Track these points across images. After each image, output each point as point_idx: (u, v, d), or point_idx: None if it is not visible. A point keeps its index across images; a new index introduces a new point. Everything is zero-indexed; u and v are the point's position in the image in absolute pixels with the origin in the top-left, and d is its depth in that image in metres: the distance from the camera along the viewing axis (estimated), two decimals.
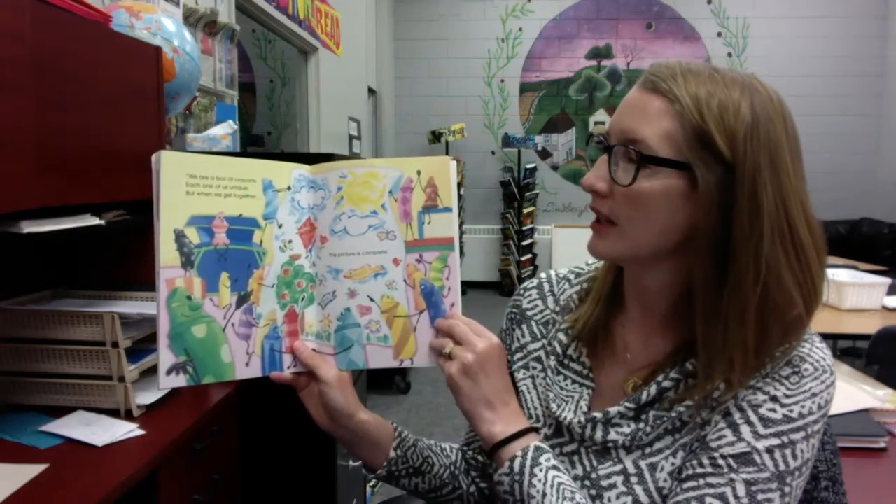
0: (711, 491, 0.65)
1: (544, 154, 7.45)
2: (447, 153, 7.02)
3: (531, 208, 7.15)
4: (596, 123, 7.35)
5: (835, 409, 1.34)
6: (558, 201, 7.47)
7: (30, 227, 1.12)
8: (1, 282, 1.46)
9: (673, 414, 0.69)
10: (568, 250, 7.05)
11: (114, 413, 1.33)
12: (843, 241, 6.53)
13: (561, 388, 0.79)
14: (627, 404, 0.72)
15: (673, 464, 0.69)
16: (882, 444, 1.30)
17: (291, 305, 0.75)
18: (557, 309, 0.85)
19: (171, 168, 0.68)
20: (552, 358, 0.81)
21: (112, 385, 1.33)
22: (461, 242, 7.12)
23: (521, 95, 7.42)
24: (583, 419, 0.74)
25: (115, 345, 1.32)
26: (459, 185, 7.00)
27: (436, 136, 7.01)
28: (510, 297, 0.93)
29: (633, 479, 0.70)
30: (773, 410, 0.66)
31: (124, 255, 1.65)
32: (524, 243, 7.12)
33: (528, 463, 0.69)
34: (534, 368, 0.83)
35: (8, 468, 1.09)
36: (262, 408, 1.73)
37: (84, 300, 1.50)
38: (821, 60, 7.00)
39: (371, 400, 3.73)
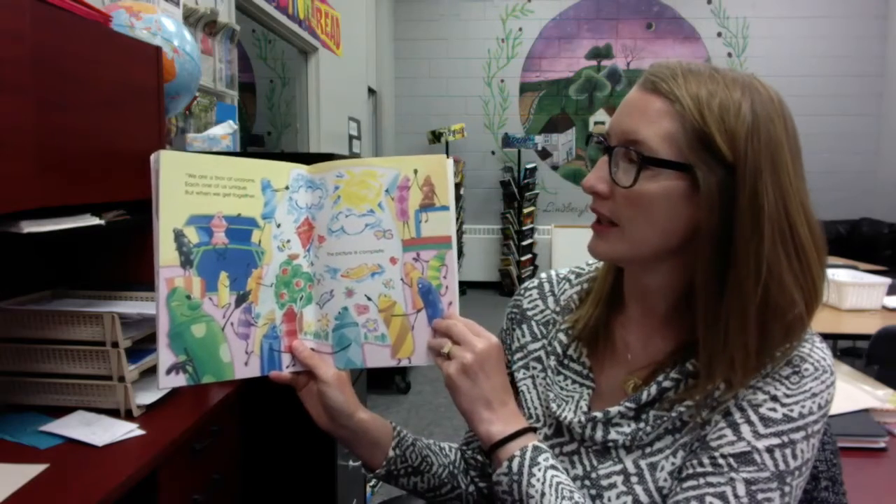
0: (711, 490, 0.65)
1: (544, 154, 7.45)
2: (447, 153, 7.01)
3: (531, 208, 7.15)
4: (596, 123, 7.35)
5: (835, 409, 1.34)
6: (558, 201, 7.47)
7: (30, 227, 1.12)
8: (1, 282, 1.46)
9: (673, 414, 0.69)
10: (568, 250, 7.05)
11: (114, 413, 1.33)
12: (843, 241, 6.53)
13: (561, 388, 0.79)
14: (628, 404, 0.72)
15: (673, 463, 0.69)
16: (882, 444, 1.30)
17: (290, 305, 0.76)
18: (558, 309, 0.85)
19: (170, 167, 0.68)
20: (552, 358, 0.81)
21: (112, 385, 1.33)
22: (461, 242, 7.13)
23: (521, 95, 7.42)
24: (583, 419, 0.75)
25: (115, 345, 1.32)
26: (459, 185, 7.03)
27: (436, 136, 7.01)
28: (510, 297, 0.93)
29: (634, 479, 0.70)
30: (774, 410, 0.66)
31: (124, 255, 1.65)
32: (524, 243, 7.12)
33: (526, 462, 0.69)
34: (534, 368, 0.83)
35: (8, 468, 1.09)
36: (262, 408, 1.73)
37: (84, 300, 1.50)
38: (821, 60, 7.00)
39: (371, 400, 3.73)
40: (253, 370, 0.74)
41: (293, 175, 0.76)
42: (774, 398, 0.67)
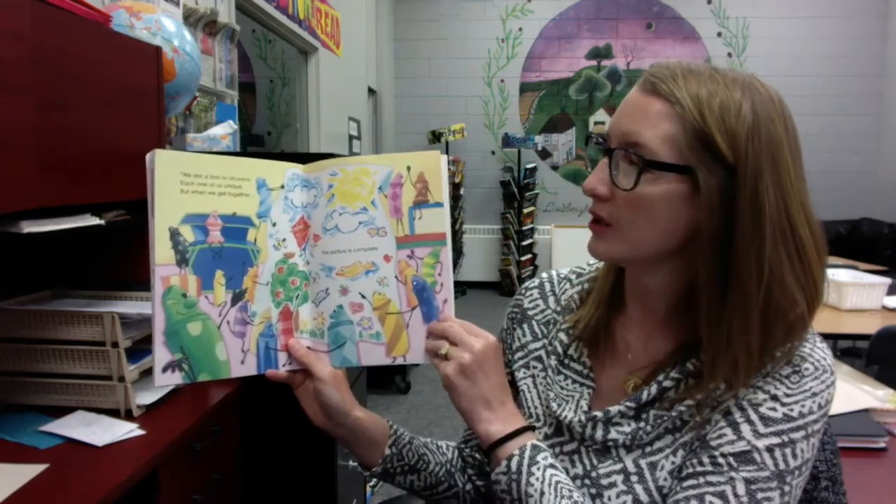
0: (711, 489, 0.65)
1: (544, 154, 7.45)
2: (447, 153, 7.02)
3: (531, 208, 7.16)
4: (596, 123, 7.35)
5: (835, 409, 1.34)
6: (558, 201, 7.47)
7: (30, 227, 1.12)
8: (1, 282, 1.46)
9: (673, 413, 0.69)
10: (568, 250, 7.05)
11: (114, 413, 1.33)
12: (843, 241, 6.53)
13: (561, 387, 0.79)
14: (628, 403, 0.72)
15: (673, 463, 0.69)
16: (882, 444, 1.30)
17: (286, 303, 0.76)
18: (558, 309, 0.86)
19: (165, 167, 0.68)
20: (553, 357, 0.81)
21: (112, 385, 1.33)
22: (460, 242, 7.13)
23: (521, 95, 7.42)
24: (583, 418, 0.75)
25: (115, 345, 1.32)
26: (459, 185, 7.02)
27: (436, 136, 7.01)
28: (510, 297, 0.93)
29: (634, 478, 0.70)
30: (774, 409, 0.66)
31: (124, 255, 1.65)
32: (524, 243, 7.12)
33: (525, 462, 0.69)
34: (534, 368, 0.84)
35: (8, 468, 1.09)
36: (262, 408, 1.73)
37: (84, 300, 1.50)
38: (821, 60, 7.00)
39: (371, 400, 3.73)
40: (249, 369, 0.74)
41: (288, 174, 0.76)
42: (774, 398, 0.67)
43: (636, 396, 0.72)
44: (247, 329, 0.73)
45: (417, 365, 0.72)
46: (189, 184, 0.69)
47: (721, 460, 0.66)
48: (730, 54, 7.12)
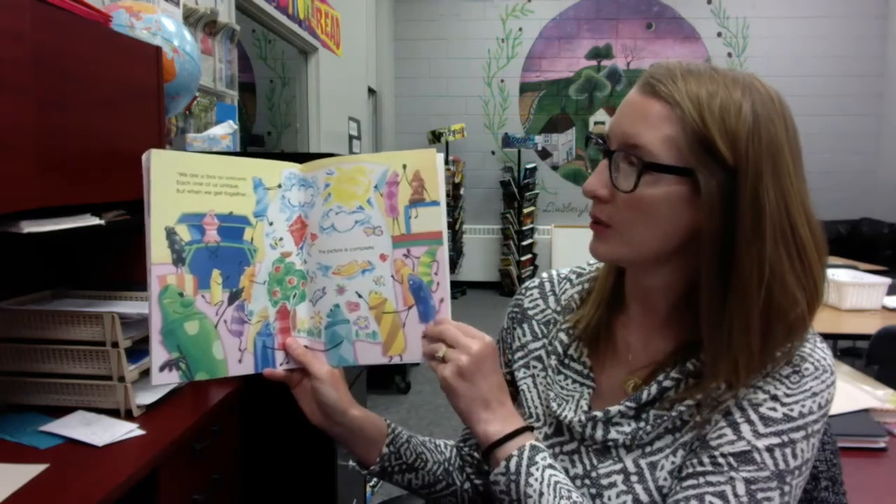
0: (711, 489, 0.65)
1: (544, 154, 7.45)
2: (447, 153, 7.02)
3: (531, 208, 7.16)
4: (596, 123, 7.35)
5: (835, 409, 1.34)
6: (558, 201, 7.47)
7: (30, 227, 1.12)
8: (1, 282, 1.46)
9: (673, 413, 0.69)
10: (568, 250, 7.05)
11: (114, 413, 1.33)
12: (843, 241, 6.53)
13: (561, 387, 0.79)
14: (628, 403, 0.72)
15: (673, 462, 0.69)
16: (882, 444, 1.30)
17: (283, 302, 0.76)
18: (558, 308, 0.86)
19: (161, 166, 0.68)
20: (553, 357, 0.81)
21: (112, 385, 1.33)
22: (461, 242, 7.13)
23: (521, 95, 7.42)
24: (583, 418, 0.75)
25: (115, 345, 1.32)
26: (459, 185, 7.02)
27: (436, 136, 7.01)
28: (510, 297, 0.93)
29: (634, 478, 0.70)
30: (774, 409, 0.66)
31: (124, 255, 1.65)
32: (524, 243, 7.12)
33: (524, 462, 0.69)
34: (534, 367, 0.84)
35: (8, 468, 1.09)
36: (262, 408, 1.73)
37: (84, 300, 1.50)
38: (821, 60, 7.00)
39: (371, 400, 3.73)
40: (246, 367, 0.74)
41: (285, 174, 0.76)
42: (774, 397, 0.67)
43: (636, 396, 0.72)
44: (244, 328, 0.73)
45: (417, 365, 0.72)
46: (185, 183, 0.70)
47: (721, 460, 0.66)
48: (730, 54, 7.12)
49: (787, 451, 0.65)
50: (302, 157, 0.83)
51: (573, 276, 0.88)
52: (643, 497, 0.69)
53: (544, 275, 0.91)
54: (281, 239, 0.75)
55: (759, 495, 0.64)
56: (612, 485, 0.71)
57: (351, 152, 5.32)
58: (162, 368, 0.68)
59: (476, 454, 0.90)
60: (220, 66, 2.82)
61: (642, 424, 0.71)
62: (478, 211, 7.49)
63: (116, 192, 1.39)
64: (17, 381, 1.34)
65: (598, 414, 0.73)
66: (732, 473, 0.65)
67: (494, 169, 7.45)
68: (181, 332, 0.69)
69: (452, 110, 7.40)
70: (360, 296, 0.75)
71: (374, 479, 2.70)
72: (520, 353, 0.86)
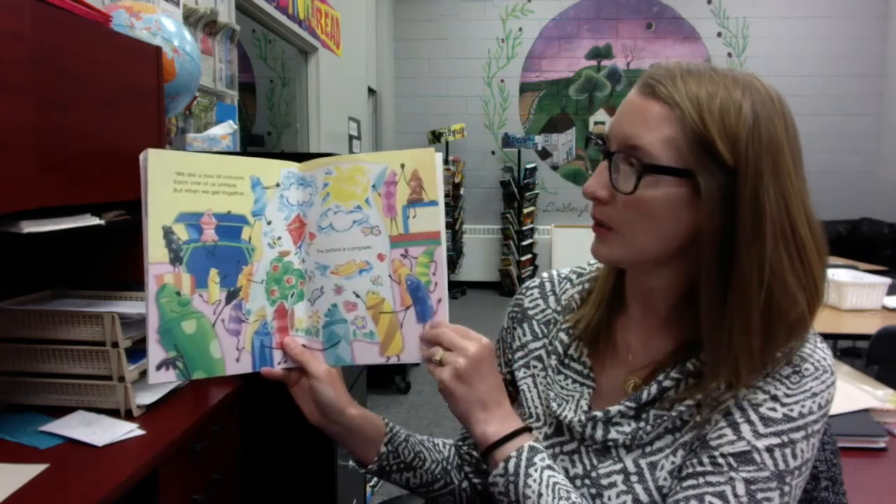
0: (711, 489, 0.65)
1: (544, 154, 7.45)
2: (447, 153, 7.02)
3: (531, 208, 7.15)
4: (596, 123, 7.35)
5: (835, 409, 1.34)
6: (558, 201, 7.47)
7: (30, 227, 1.12)
8: (1, 282, 1.46)
9: (673, 413, 0.69)
10: (568, 250, 7.06)
11: (114, 413, 1.33)
12: (843, 241, 6.53)
13: (561, 387, 0.79)
14: (628, 403, 0.72)
15: (673, 462, 0.69)
16: (882, 444, 1.30)
17: (281, 302, 0.76)
18: (559, 308, 0.86)
19: (158, 166, 0.68)
20: (553, 357, 0.81)
21: (112, 385, 1.33)
22: (461, 242, 7.13)
23: (521, 95, 7.42)
24: (583, 418, 0.75)
25: (115, 345, 1.32)
26: (459, 185, 7.02)
27: (436, 136, 7.01)
28: (510, 297, 0.93)
29: (633, 478, 0.70)
30: (774, 409, 0.66)
31: (124, 255, 1.65)
32: (524, 243, 7.12)
33: (522, 463, 0.69)
34: (535, 367, 0.84)
35: (8, 468, 1.09)
36: (262, 408, 1.73)
37: (84, 300, 1.50)
38: (821, 60, 7.00)
39: (371, 400, 3.73)
40: (244, 366, 0.74)
41: (284, 173, 0.76)
42: (774, 398, 0.67)
43: (636, 396, 0.72)
44: (241, 327, 0.73)
45: (417, 365, 0.72)
46: (182, 183, 0.70)
47: (721, 460, 0.66)
48: (730, 54, 7.12)
49: (787, 451, 0.65)
50: (302, 157, 0.83)
51: (573, 276, 0.88)
52: (643, 497, 0.69)
53: (545, 275, 0.91)
54: (279, 238, 0.76)
55: (759, 495, 0.64)
56: (612, 485, 0.71)
57: (351, 152, 5.32)
58: (159, 367, 0.69)
59: (475, 453, 0.90)
60: (220, 66, 2.82)
61: (642, 424, 0.71)
62: (478, 211, 7.49)
63: (116, 192, 1.39)
64: (17, 381, 1.34)
65: (598, 414, 0.73)
66: (732, 474, 0.65)
67: (494, 169, 7.45)
68: (178, 331, 0.69)
69: (452, 110, 7.40)
70: (357, 296, 0.75)
71: (374, 479, 2.70)
72: (520, 353, 0.86)
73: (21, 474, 1.07)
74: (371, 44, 6.23)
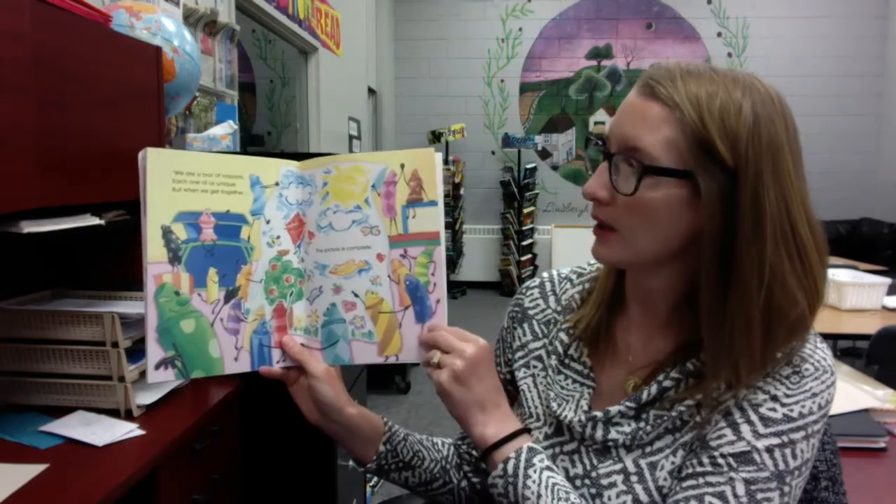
0: (711, 490, 0.65)
1: (544, 154, 7.45)
2: (447, 153, 7.02)
3: (531, 208, 7.16)
4: (596, 123, 7.35)
5: (835, 409, 1.34)
6: (558, 201, 7.47)
7: (30, 227, 1.12)
8: (1, 282, 1.46)
9: (673, 413, 0.69)
10: (568, 250, 7.05)
11: (114, 413, 1.33)
12: (843, 241, 6.53)
13: (562, 387, 0.79)
14: (628, 403, 0.72)
15: (673, 463, 0.69)
16: (882, 444, 1.30)
17: (280, 301, 0.76)
18: (559, 308, 0.86)
19: (157, 165, 0.68)
20: (553, 357, 0.81)
21: (112, 385, 1.33)
22: (461, 242, 7.13)
23: (521, 95, 7.42)
24: (583, 418, 0.75)
25: (115, 345, 1.32)
26: (459, 184, 7.02)
27: (436, 136, 7.01)
28: (510, 297, 0.93)
29: (633, 478, 0.70)
30: (774, 410, 0.66)
31: (124, 255, 1.65)
32: (524, 243, 7.12)
33: (521, 464, 0.69)
34: (535, 367, 0.84)
35: (8, 468, 1.09)
36: (262, 408, 1.73)
37: (84, 300, 1.50)
38: (821, 60, 7.00)
39: (371, 400, 3.73)
40: (243, 365, 0.74)
41: (283, 172, 0.76)
42: (774, 398, 0.67)
43: (636, 396, 0.72)
44: (240, 326, 0.73)
45: (417, 365, 0.71)
46: (181, 182, 0.70)
47: (721, 461, 0.66)
48: (730, 54, 7.12)
49: (787, 451, 0.65)
50: (302, 157, 0.83)
51: (574, 276, 0.88)
52: (643, 497, 0.69)
53: (545, 274, 0.91)
54: (278, 237, 0.75)
55: (759, 496, 0.64)
56: (612, 485, 0.71)
57: (351, 152, 5.32)
58: (157, 366, 0.69)
59: (474, 452, 0.90)
60: (220, 66, 2.82)
61: (642, 424, 0.71)
62: (478, 211, 7.49)
63: (116, 192, 1.39)
64: (17, 381, 1.34)
65: (598, 414, 0.73)
66: (732, 474, 0.65)
67: (494, 169, 7.45)
68: (177, 331, 0.69)
69: (452, 110, 7.40)
70: (356, 295, 0.75)
71: (374, 479, 2.70)
72: (520, 353, 0.86)
73: (21, 474, 1.07)
74: (371, 44, 6.23)
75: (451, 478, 0.89)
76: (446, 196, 6.34)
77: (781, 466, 0.65)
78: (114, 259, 1.67)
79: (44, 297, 1.50)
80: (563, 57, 7.32)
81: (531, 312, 0.87)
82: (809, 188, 0.67)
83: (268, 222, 0.75)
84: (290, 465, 1.84)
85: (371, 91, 6.49)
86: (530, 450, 0.70)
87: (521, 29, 7.32)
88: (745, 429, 0.66)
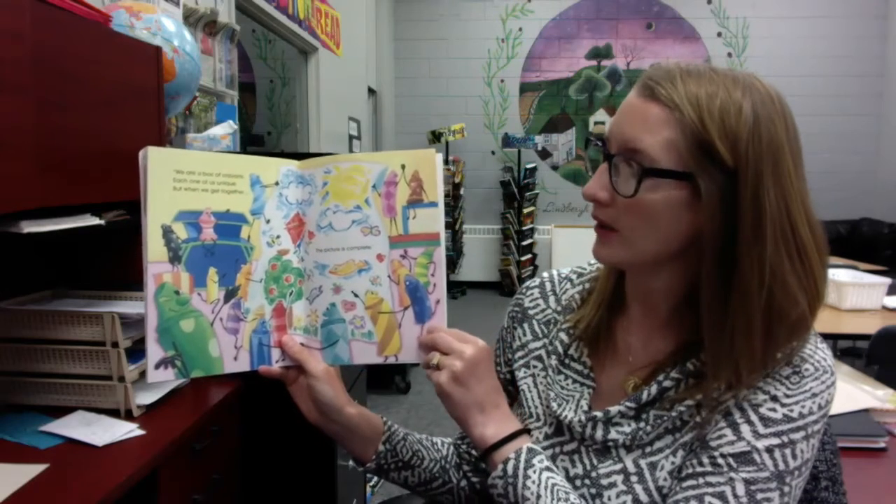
0: (711, 490, 0.65)
1: (544, 154, 7.45)
2: (447, 153, 7.02)
3: (531, 208, 7.16)
4: (596, 123, 7.35)
5: (835, 409, 1.34)
6: (558, 201, 7.47)
7: (30, 227, 1.12)
8: (1, 282, 1.46)
9: (673, 413, 0.69)
10: (568, 250, 7.05)
11: (114, 413, 1.33)
12: (843, 241, 6.53)
13: (562, 387, 0.79)
14: (628, 403, 0.72)
15: (673, 463, 0.69)
16: (882, 444, 1.30)
17: (279, 300, 0.76)
18: (559, 308, 0.86)
19: (157, 164, 0.68)
20: (553, 357, 0.81)
21: (112, 385, 1.33)
22: (461, 242, 7.13)
23: (521, 95, 7.42)
24: (583, 418, 0.75)
25: (115, 345, 1.32)
26: (459, 185, 7.02)
27: (436, 136, 7.01)
28: (510, 297, 0.93)
29: (633, 478, 0.70)
30: (774, 410, 0.66)
31: (124, 255, 1.65)
32: (524, 243, 7.12)
33: (521, 465, 0.69)
34: (535, 367, 0.84)
35: (8, 468, 1.09)
36: (262, 408, 1.73)
37: (84, 300, 1.50)
38: (821, 60, 7.00)
39: (371, 400, 3.73)
40: (242, 365, 0.74)
41: (283, 171, 0.76)
42: (774, 398, 0.67)
43: (636, 396, 0.72)
44: (240, 326, 0.73)
45: (417, 365, 0.71)
46: (182, 181, 0.70)
47: (721, 461, 0.66)
48: (730, 54, 7.12)
49: (787, 451, 0.65)
50: (302, 157, 0.83)
51: (574, 276, 0.88)
52: (643, 497, 0.69)
53: (545, 274, 0.91)
54: (278, 237, 0.76)
55: (759, 496, 0.64)
56: (612, 485, 0.71)
57: (351, 152, 5.32)
58: (157, 366, 0.69)
59: (473, 452, 0.90)
60: (220, 66, 2.82)
61: (642, 424, 0.71)
62: (478, 211, 7.49)
63: (116, 192, 1.39)
64: (17, 381, 1.34)
65: (599, 414, 0.73)
66: (732, 474, 0.65)
67: (494, 169, 7.45)
68: (177, 330, 0.69)
69: (452, 110, 7.40)
70: (356, 295, 0.75)
71: (374, 479, 2.70)
72: (520, 353, 0.86)
73: (21, 474, 1.07)
74: (371, 44, 6.23)
75: (450, 477, 0.89)
76: (446, 196, 6.33)
77: (781, 466, 0.65)
78: (114, 259, 1.67)
79: (44, 297, 1.50)
80: (563, 57, 7.32)
81: (531, 312, 0.87)
82: (809, 188, 0.67)
83: (268, 222, 0.75)
84: (290, 465, 1.84)
85: (371, 91, 6.49)
86: (530, 450, 0.70)
87: (521, 29, 7.32)
88: (745, 429, 0.66)
